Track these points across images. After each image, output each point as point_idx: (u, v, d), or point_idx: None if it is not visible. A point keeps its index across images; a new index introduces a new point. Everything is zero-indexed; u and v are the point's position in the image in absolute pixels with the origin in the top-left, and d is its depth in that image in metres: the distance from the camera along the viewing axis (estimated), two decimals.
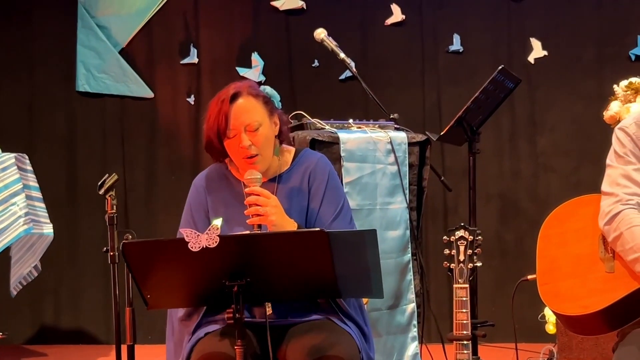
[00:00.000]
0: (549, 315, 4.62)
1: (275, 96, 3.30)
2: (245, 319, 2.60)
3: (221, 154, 3.07)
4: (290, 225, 2.90)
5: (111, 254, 3.10)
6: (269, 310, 2.85)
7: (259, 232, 2.80)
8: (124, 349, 3.17)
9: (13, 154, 5.15)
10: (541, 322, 4.73)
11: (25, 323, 6.33)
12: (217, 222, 2.49)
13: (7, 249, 5.25)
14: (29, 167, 5.29)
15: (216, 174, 3.13)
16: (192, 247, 2.44)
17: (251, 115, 2.99)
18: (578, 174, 5.65)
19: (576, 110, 5.69)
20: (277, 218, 2.86)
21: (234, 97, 3.00)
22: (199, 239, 2.44)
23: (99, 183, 3.13)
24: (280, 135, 3.09)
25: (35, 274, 5.46)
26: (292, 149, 3.16)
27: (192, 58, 6.21)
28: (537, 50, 5.76)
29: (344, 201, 3.07)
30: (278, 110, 3.12)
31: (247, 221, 2.86)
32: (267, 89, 3.19)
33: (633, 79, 4.50)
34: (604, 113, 4.53)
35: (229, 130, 2.97)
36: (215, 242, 2.44)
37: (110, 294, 3.17)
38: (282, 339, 2.87)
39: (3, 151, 5.20)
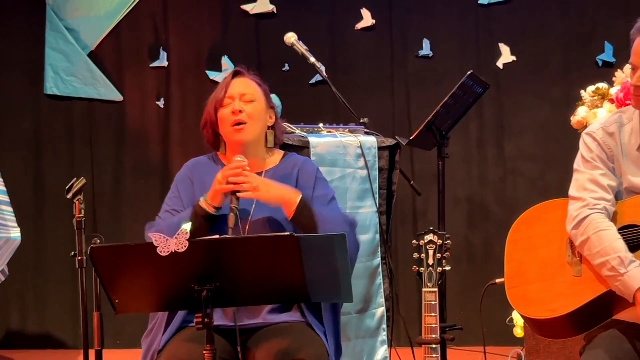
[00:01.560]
0: (517, 318, 4.64)
1: (279, 104, 3.38)
2: (215, 324, 2.59)
3: (215, 135, 3.13)
4: (279, 190, 2.94)
5: (79, 258, 3.09)
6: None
7: (229, 236, 2.80)
8: (91, 353, 3.15)
9: None
10: (509, 326, 4.75)
11: None
12: (186, 226, 2.48)
13: None
14: None
15: (206, 158, 3.20)
16: (160, 252, 2.42)
17: (248, 88, 3.11)
18: (545, 179, 5.68)
19: (543, 115, 5.73)
20: (261, 184, 2.92)
21: (236, 74, 3.16)
22: (167, 244, 2.42)
23: (67, 187, 3.11)
24: (275, 129, 3.16)
25: (2, 279, 5.40)
26: (281, 152, 3.22)
27: (162, 61, 6.18)
28: (506, 56, 5.79)
29: (334, 193, 3.15)
30: (276, 111, 3.22)
31: (222, 189, 2.90)
32: (272, 95, 3.28)
33: (600, 85, 4.53)
34: (571, 118, 4.56)
35: (225, 99, 3.06)
36: (184, 246, 2.42)
37: (78, 298, 3.15)
38: (252, 341, 2.87)
39: None
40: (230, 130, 3.04)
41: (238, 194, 2.90)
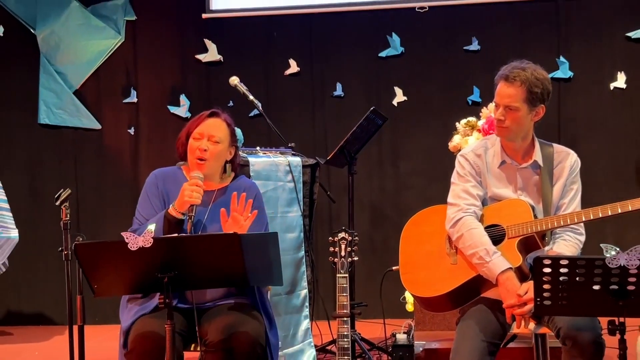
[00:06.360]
0: (409, 297, 4.68)
1: (241, 138, 3.30)
2: (175, 304, 2.55)
3: (184, 151, 3.02)
4: None
5: (65, 252, 3.02)
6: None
7: (185, 234, 2.75)
8: (75, 328, 3.08)
9: None
10: (402, 303, 4.78)
11: None
12: (152, 227, 2.45)
13: None
14: None
15: (172, 172, 3.09)
16: (131, 247, 2.39)
17: (218, 131, 2.99)
18: (430, 190, 5.74)
19: (428, 142, 5.79)
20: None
21: (212, 114, 3.02)
22: (136, 241, 2.39)
23: (56, 196, 3.04)
24: (233, 163, 3.08)
25: (4, 270, 5.25)
26: (232, 174, 3.13)
27: (132, 98, 6.08)
28: (399, 96, 5.85)
29: (267, 220, 3.07)
30: (237, 146, 3.10)
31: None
32: (237, 130, 3.17)
33: (470, 118, 4.59)
34: (449, 144, 4.62)
35: (197, 133, 2.96)
36: (150, 242, 2.39)
37: (65, 284, 3.07)
38: (204, 318, 2.82)
39: None
40: (194, 162, 2.97)
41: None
